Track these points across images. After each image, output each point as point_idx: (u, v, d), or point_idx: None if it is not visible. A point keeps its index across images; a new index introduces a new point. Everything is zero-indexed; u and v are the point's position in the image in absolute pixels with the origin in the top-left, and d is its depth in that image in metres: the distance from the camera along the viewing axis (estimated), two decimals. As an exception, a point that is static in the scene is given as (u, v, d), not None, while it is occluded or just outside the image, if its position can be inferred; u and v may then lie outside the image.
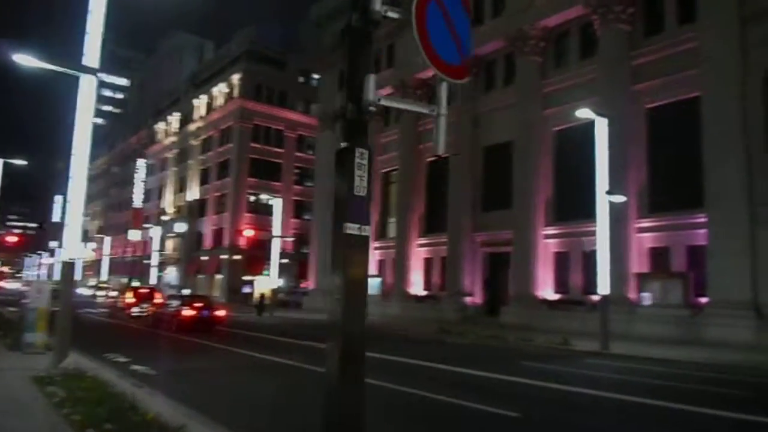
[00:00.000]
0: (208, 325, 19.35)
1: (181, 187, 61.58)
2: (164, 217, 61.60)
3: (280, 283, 39.40)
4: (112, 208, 79.30)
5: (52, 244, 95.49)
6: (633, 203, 21.00)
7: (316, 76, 52.87)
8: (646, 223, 21.53)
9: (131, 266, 68.83)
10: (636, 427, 7.13)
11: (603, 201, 16.11)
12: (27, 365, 9.11)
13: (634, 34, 22.58)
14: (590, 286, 21.87)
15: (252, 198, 51.68)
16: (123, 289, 38.23)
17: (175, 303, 21.26)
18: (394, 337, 19.66)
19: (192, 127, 60.18)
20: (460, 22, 3.97)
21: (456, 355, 14.26)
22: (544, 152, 25.35)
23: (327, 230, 39.12)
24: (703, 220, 19.26)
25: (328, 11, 40.04)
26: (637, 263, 21.32)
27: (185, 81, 65.94)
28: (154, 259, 52.87)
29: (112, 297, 38.21)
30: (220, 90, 56.31)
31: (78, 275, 26.56)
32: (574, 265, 23.80)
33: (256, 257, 48.23)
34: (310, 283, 40.90)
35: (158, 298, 26.62)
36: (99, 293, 54.01)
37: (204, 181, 56.87)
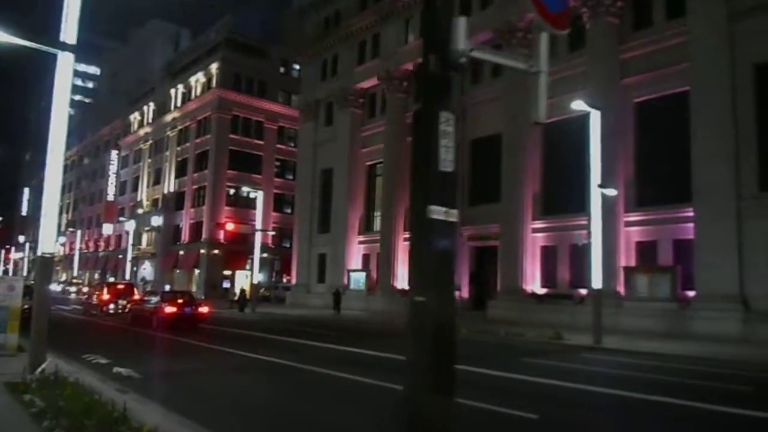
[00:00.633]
0: (191, 323, 18.61)
1: (156, 179, 59.92)
2: (139, 210, 59.91)
3: (261, 277, 38.61)
4: (83, 201, 76.91)
5: (21, 238, 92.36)
6: (621, 197, 20.97)
7: (297, 67, 51.93)
8: (633, 217, 21.53)
9: (104, 261, 66.91)
10: (661, 428, 6.85)
11: (596, 194, 15.94)
12: (-1, 370, 8.37)
13: (623, 27, 22.50)
14: (578, 280, 21.87)
15: (231, 191, 50.59)
16: (96, 285, 36.98)
17: (154, 299, 20.45)
18: (385, 333, 19.26)
19: (168, 117, 58.53)
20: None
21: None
22: (532, 145, 25.14)
23: (309, 225, 38.35)
24: (689, 214, 19.31)
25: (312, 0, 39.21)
26: (625, 257, 21.32)
27: (161, 70, 64.07)
28: (129, 254, 51.42)
29: (85, 293, 36.92)
30: (197, 79, 54.83)
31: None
32: (562, 259, 23.73)
33: (236, 251, 47.26)
34: (292, 278, 40.18)
35: (136, 295, 25.68)
36: (71, 289, 52.34)
37: (181, 173, 55.40)
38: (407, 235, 31.17)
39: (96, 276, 67.37)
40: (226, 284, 48.30)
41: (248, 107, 51.83)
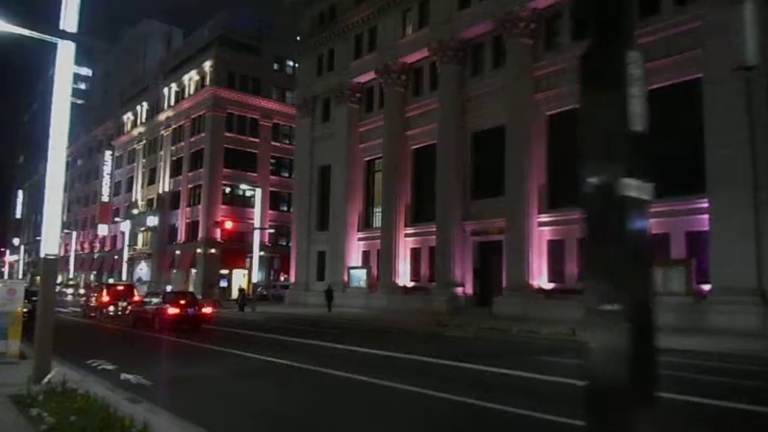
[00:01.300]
0: (195, 324, 18.13)
1: (151, 179, 59.14)
2: (135, 211, 59.14)
3: (259, 276, 38.12)
4: (77, 202, 75.92)
5: (16, 241, 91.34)
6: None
7: (291, 63, 51.28)
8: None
9: (100, 262, 66.09)
10: None
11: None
12: (1, 380, 7.88)
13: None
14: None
15: (227, 189, 49.98)
16: (95, 286, 36.36)
17: (156, 300, 19.93)
18: (392, 332, 18.86)
19: (162, 116, 57.73)
20: None
21: (466, 352, 13.46)
22: (537, 137, 24.75)
23: (307, 222, 37.68)
24: (704, 205, 18.94)
25: (306, -6, 38.60)
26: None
27: (154, 69, 63.18)
28: (125, 255, 50.74)
29: (83, 295, 36.27)
30: (191, 78, 54.06)
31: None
32: (570, 253, 23.35)
33: (233, 250, 46.71)
34: (291, 277, 39.66)
35: (136, 296, 25.12)
36: (68, 291, 51.66)
37: (176, 172, 54.66)
38: (409, 231, 30.73)
39: (92, 277, 66.56)
40: (223, 283, 47.74)
41: (243, 105, 51.16)
